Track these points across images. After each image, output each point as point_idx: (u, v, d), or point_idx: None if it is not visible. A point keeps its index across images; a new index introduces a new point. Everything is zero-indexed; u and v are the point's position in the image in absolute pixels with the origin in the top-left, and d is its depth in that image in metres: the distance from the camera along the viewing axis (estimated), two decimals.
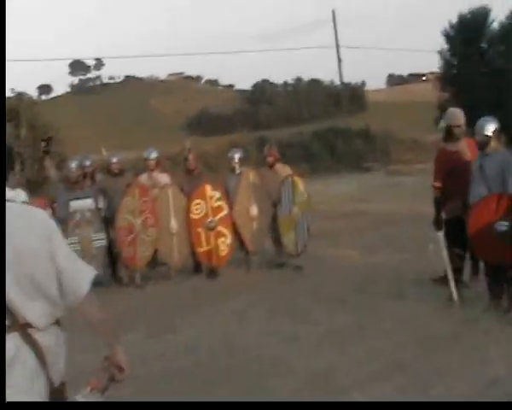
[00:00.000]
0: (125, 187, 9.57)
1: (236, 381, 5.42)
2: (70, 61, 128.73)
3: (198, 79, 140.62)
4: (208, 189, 9.63)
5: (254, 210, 9.75)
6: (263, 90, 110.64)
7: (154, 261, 9.87)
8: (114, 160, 9.95)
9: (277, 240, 9.93)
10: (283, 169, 10.08)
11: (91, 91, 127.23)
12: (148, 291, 9.25)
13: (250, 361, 5.86)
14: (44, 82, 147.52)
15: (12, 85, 48.47)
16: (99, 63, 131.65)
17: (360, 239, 11.81)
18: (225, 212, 9.69)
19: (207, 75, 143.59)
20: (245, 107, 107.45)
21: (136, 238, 9.39)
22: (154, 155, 9.98)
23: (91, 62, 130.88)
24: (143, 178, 9.94)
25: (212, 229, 9.59)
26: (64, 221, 9.20)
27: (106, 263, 9.56)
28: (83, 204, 9.22)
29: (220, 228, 9.67)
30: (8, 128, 24.52)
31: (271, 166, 10.06)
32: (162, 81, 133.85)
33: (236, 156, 10.09)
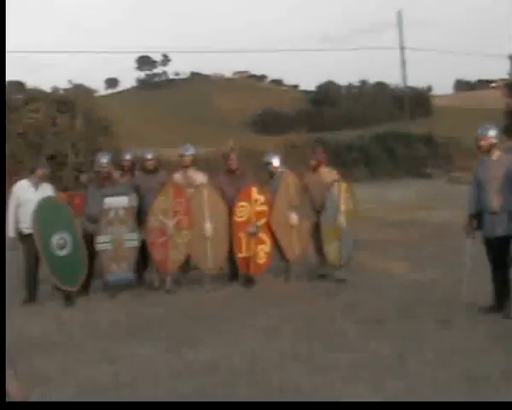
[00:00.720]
0: (160, 185, 9.02)
1: None
2: (137, 55, 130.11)
3: (263, 78, 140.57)
4: (254, 191, 8.98)
5: (294, 217, 9.04)
6: (327, 91, 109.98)
7: (187, 266, 9.31)
8: (149, 156, 9.35)
9: (320, 250, 9.22)
10: (329, 173, 9.35)
11: (157, 86, 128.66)
12: (178, 297, 8.66)
13: (271, 391, 5.19)
14: (111, 75, 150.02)
15: (78, 76, 48.77)
16: (165, 59, 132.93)
17: (413, 252, 11.01)
18: (267, 218, 9.05)
19: (272, 75, 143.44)
20: (308, 107, 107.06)
21: (168, 241, 8.81)
22: (190, 151, 9.38)
23: (158, 58, 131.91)
24: (178, 176, 9.37)
25: (253, 234, 8.94)
26: (96, 219, 8.76)
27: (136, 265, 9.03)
28: (117, 201, 8.70)
29: (261, 234, 9.02)
30: (64, 119, 24.44)
31: (315, 169, 9.35)
32: (227, 79, 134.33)
33: (274, 161, 9.41)
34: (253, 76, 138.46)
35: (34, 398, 5.22)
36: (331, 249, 9.09)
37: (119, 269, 8.71)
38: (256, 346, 6.32)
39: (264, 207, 8.99)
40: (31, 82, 72.81)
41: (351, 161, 28.16)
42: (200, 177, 9.36)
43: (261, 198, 8.98)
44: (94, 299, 8.72)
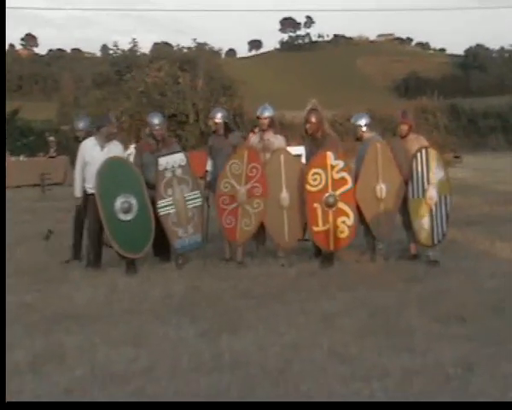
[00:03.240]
0: (232, 148, 8.25)
1: None
2: (281, 17, 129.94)
3: (408, 40, 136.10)
4: (329, 156, 7.93)
5: (382, 189, 7.95)
6: (476, 55, 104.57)
7: (262, 237, 8.51)
8: (218, 115, 8.56)
9: (408, 225, 8.13)
10: (417, 140, 8.17)
11: (300, 49, 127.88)
12: (247, 271, 7.89)
13: (295, 397, 4.32)
14: (255, 37, 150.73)
15: (221, 37, 48.95)
16: (309, 21, 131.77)
17: None
18: (349, 185, 7.99)
19: (418, 37, 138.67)
20: (455, 72, 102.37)
21: (238, 208, 8.05)
22: (267, 112, 8.43)
23: (302, 20, 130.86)
24: (254, 139, 8.52)
25: (330, 205, 7.97)
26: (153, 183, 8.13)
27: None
28: (173, 160, 7.99)
29: (341, 205, 7.99)
30: (186, 79, 24.24)
31: (404, 136, 8.20)
32: (371, 42, 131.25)
33: (362, 122, 8.30)
34: (398, 39, 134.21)
35: (32, 380, 4.72)
36: (421, 226, 7.96)
37: (186, 234, 8.05)
38: (304, 338, 5.44)
39: (344, 174, 7.95)
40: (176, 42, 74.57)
41: (486, 129, 26.12)
42: (278, 141, 8.42)
43: (339, 164, 7.92)
44: (158, 268, 8.13)
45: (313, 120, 8.16)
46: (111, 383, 4.63)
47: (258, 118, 8.48)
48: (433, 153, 8.00)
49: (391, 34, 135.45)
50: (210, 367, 4.87)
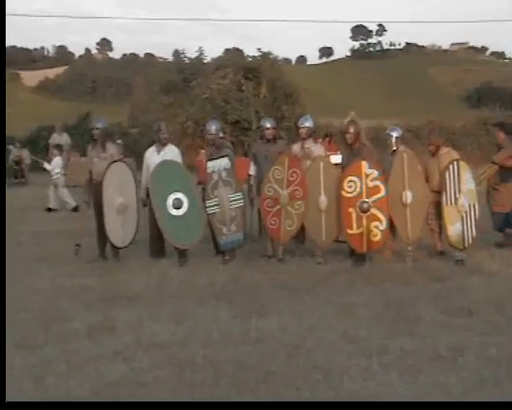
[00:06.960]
0: (277, 155, 9.07)
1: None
2: (353, 25, 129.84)
3: (483, 49, 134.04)
4: (364, 166, 8.66)
5: (408, 196, 8.67)
6: None
7: (302, 236, 9.31)
8: (268, 124, 9.39)
9: (440, 230, 8.90)
10: (449, 154, 8.94)
11: (371, 57, 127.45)
12: (285, 267, 8.68)
13: (303, 367, 5.09)
14: (326, 44, 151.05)
15: (295, 45, 49.83)
16: (381, 29, 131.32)
17: None
18: (383, 193, 8.70)
19: (494, 46, 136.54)
20: None
21: (281, 210, 8.86)
22: (307, 123, 9.26)
23: (373, 27, 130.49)
24: (295, 147, 9.33)
25: (364, 211, 8.68)
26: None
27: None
28: (219, 164, 8.84)
29: (374, 211, 8.70)
30: (249, 86, 25.19)
31: (434, 154, 8.99)
32: (444, 51, 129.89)
33: (394, 134, 9.09)
34: (472, 48, 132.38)
35: (86, 345, 5.64)
36: (454, 231, 8.72)
37: (229, 231, 8.88)
38: (322, 323, 6.22)
39: (378, 182, 8.65)
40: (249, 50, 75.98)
41: None
42: (317, 149, 9.25)
43: (374, 173, 8.65)
44: (206, 261, 9.00)
45: (351, 130, 8.94)
46: (152, 349, 5.53)
47: (297, 127, 9.31)
48: (463, 165, 8.82)
49: (465, 43, 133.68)
50: (236, 341, 5.72)
